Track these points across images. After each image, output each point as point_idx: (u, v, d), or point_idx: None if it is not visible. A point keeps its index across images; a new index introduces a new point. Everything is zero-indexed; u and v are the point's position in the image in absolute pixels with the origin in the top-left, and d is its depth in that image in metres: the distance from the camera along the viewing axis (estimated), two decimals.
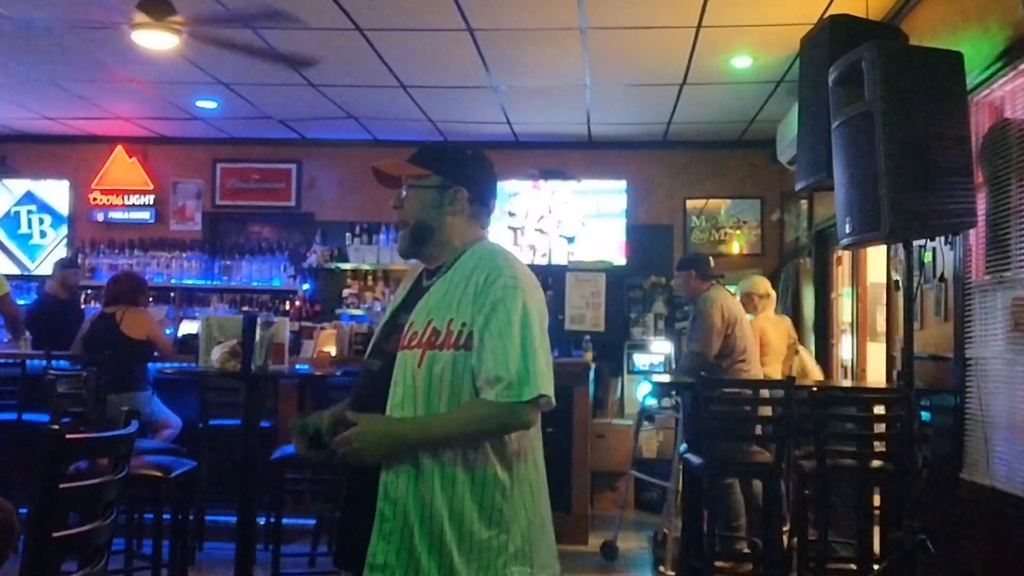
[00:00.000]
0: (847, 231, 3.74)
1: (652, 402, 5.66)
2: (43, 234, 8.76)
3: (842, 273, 6.58)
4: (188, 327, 7.59)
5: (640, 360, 7.65)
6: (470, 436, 1.96)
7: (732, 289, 5.81)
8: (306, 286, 8.29)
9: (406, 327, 2.02)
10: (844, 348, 6.27)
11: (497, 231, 8.18)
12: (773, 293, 5.99)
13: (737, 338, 5.08)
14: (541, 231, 8.18)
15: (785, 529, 4.51)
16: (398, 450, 1.93)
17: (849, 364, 6.19)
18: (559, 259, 8.05)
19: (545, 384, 2.00)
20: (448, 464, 1.94)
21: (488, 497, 1.95)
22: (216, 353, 4.14)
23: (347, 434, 1.93)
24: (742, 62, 5.97)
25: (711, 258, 5.59)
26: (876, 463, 4.11)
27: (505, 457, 1.99)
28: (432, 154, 2.15)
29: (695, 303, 5.25)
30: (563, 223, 8.18)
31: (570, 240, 8.09)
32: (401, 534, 1.92)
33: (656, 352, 7.72)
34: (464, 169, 2.14)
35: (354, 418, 1.96)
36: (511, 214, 8.20)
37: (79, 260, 8.40)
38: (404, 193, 2.11)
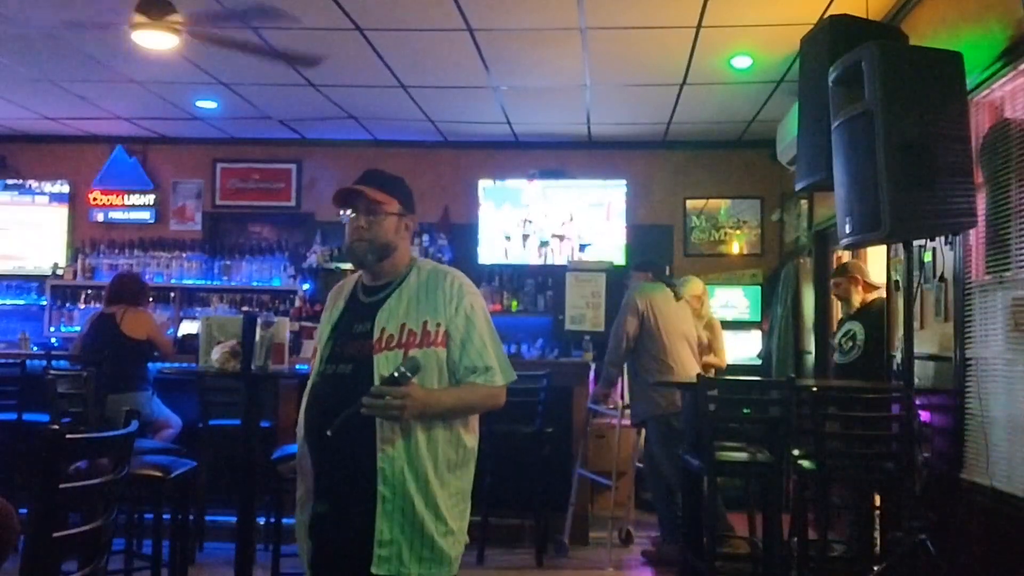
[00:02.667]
0: (847, 231, 3.74)
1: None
2: None
3: None
4: (188, 327, 7.60)
5: None
6: (469, 411, 2.42)
7: (729, 289, 5.87)
8: (306, 286, 8.29)
9: (377, 332, 2.34)
10: None
11: (503, 231, 8.19)
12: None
13: (652, 332, 5.26)
14: (561, 237, 8.19)
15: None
16: (429, 415, 2.29)
17: None
18: (559, 259, 8.06)
19: (513, 371, 2.49)
20: (436, 440, 2.32)
21: (459, 470, 2.38)
22: (216, 353, 4.14)
23: (399, 390, 2.19)
24: (742, 62, 5.97)
25: (668, 268, 5.74)
26: (876, 463, 4.11)
27: (469, 433, 2.43)
28: (392, 184, 2.52)
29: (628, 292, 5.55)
30: (571, 225, 8.19)
31: (583, 248, 8.09)
32: (403, 511, 2.26)
33: None
34: (411, 200, 2.54)
35: (403, 383, 2.21)
36: (528, 221, 8.21)
37: (81, 260, 8.42)
38: (374, 216, 2.42)
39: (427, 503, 2.29)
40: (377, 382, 2.25)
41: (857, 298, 5.23)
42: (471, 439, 2.43)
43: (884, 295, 5.24)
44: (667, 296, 5.44)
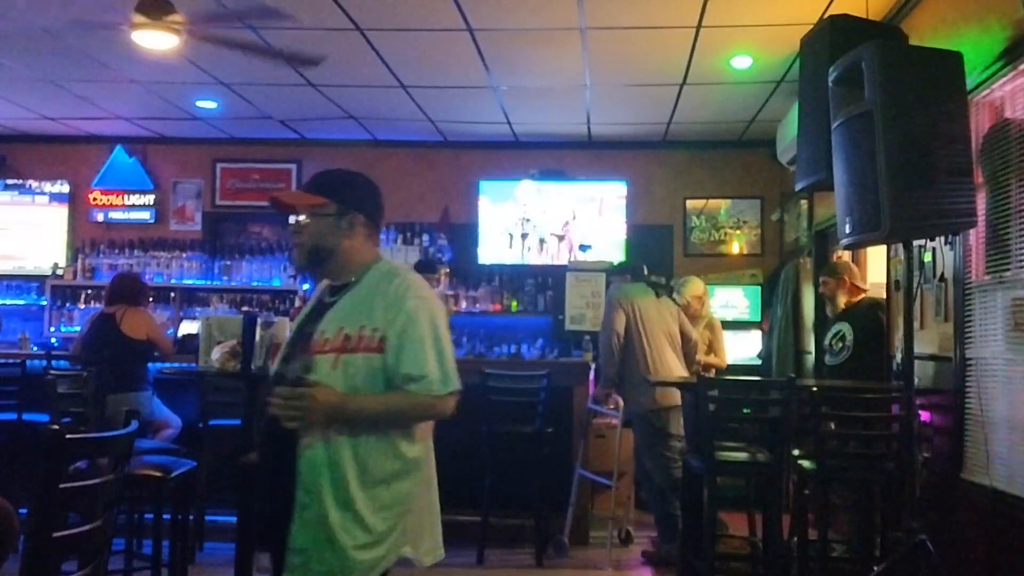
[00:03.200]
0: (847, 231, 3.74)
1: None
2: None
3: None
4: (188, 327, 7.59)
5: None
6: (399, 419, 2.30)
7: (729, 289, 5.87)
8: (306, 286, 8.27)
9: (317, 335, 2.28)
10: None
11: (502, 231, 8.19)
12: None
13: (635, 332, 5.27)
14: (561, 237, 8.19)
15: None
16: (334, 419, 2.20)
17: None
18: (559, 259, 8.06)
19: (457, 380, 2.35)
20: (363, 450, 2.23)
21: (395, 481, 2.26)
22: (216, 353, 4.14)
23: (299, 391, 2.16)
24: (742, 62, 5.97)
25: (645, 267, 5.76)
26: (876, 463, 4.11)
27: (411, 443, 2.31)
28: (329, 183, 2.43)
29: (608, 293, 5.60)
30: (574, 225, 8.19)
31: (584, 248, 8.09)
32: (318, 519, 2.19)
33: None
34: (358, 195, 2.43)
35: (309, 383, 2.19)
36: (528, 221, 8.21)
37: (81, 260, 8.41)
38: (302, 219, 2.35)
39: (345, 513, 2.19)
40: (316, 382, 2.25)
41: (843, 299, 5.24)
42: (414, 449, 2.31)
43: (872, 296, 5.25)
44: (648, 294, 5.44)
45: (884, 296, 5.15)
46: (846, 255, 5.86)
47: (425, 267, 6.75)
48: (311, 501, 2.19)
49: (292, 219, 2.37)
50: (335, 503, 2.19)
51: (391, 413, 2.29)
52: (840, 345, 5.15)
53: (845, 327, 5.13)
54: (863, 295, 5.26)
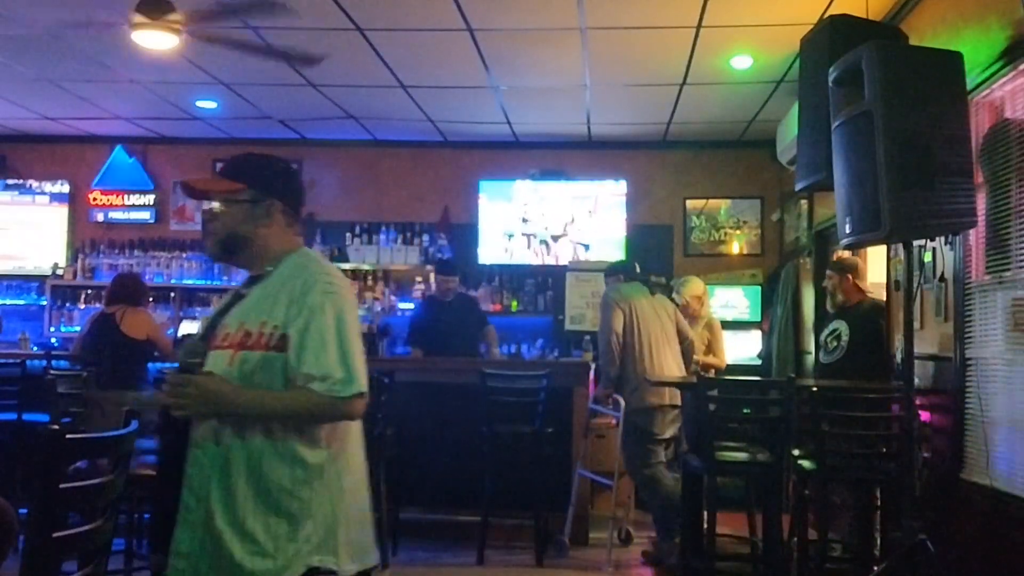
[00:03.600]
0: (847, 231, 3.74)
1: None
2: None
3: None
4: (188, 327, 7.59)
5: None
6: (297, 418, 2.11)
7: (729, 289, 5.87)
8: None
9: (219, 329, 2.18)
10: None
11: (503, 231, 8.18)
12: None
13: (631, 333, 5.26)
14: (561, 237, 8.19)
15: None
16: (222, 411, 2.08)
17: None
18: (559, 259, 8.05)
19: (364, 382, 2.15)
20: (256, 452, 2.08)
21: (294, 486, 2.09)
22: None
23: (182, 378, 2.07)
24: (742, 62, 5.97)
25: (637, 265, 5.78)
26: (876, 463, 4.11)
27: (313, 448, 2.13)
28: (244, 168, 2.30)
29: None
30: (575, 225, 8.19)
31: (583, 248, 8.10)
32: (204, 524, 2.06)
33: None
34: (276, 182, 2.29)
35: (196, 374, 2.10)
36: (528, 221, 8.21)
37: (81, 260, 8.41)
38: (216, 206, 2.23)
39: (233, 520, 2.05)
40: None
41: (841, 296, 5.25)
42: (315, 455, 2.12)
43: (873, 298, 5.25)
44: (643, 293, 5.43)
45: (883, 296, 5.15)
46: (847, 255, 5.86)
47: (443, 268, 6.73)
48: (196, 505, 2.07)
49: (205, 206, 2.26)
50: (222, 508, 2.05)
51: (289, 412, 2.10)
52: (835, 344, 5.15)
53: (843, 326, 5.13)
54: (864, 296, 5.27)
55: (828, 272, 5.44)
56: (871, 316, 5.12)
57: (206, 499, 2.07)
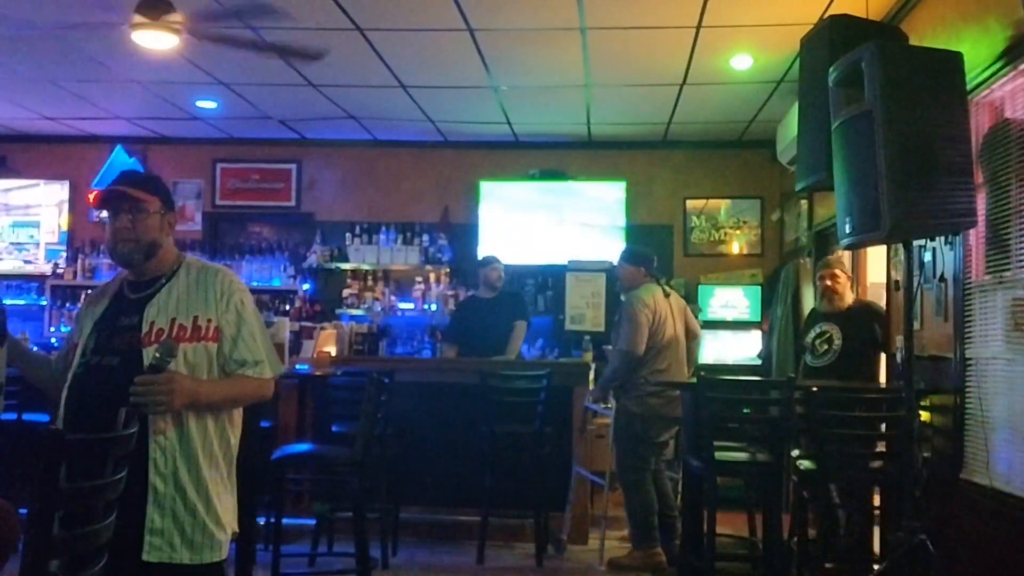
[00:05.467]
0: (847, 231, 3.74)
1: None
2: None
3: None
4: None
5: None
6: (239, 402, 2.52)
7: (729, 289, 5.82)
8: (306, 286, 8.29)
9: (145, 326, 2.40)
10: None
11: (503, 231, 8.18)
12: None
13: (657, 337, 5.13)
14: (561, 237, 8.18)
15: None
16: (199, 405, 2.38)
17: None
18: (559, 259, 8.05)
19: (280, 364, 2.62)
20: (207, 430, 2.41)
21: (228, 459, 2.49)
22: None
23: (164, 377, 2.26)
24: (742, 62, 5.97)
25: (656, 258, 5.56)
26: (876, 463, 4.11)
27: (235, 427, 2.54)
28: (155, 183, 2.57)
29: (625, 300, 5.34)
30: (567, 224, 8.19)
31: (583, 248, 8.07)
32: (175, 500, 2.34)
33: None
34: (171, 197, 2.62)
35: (162, 369, 2.29)
36: (528, 221, 8.19)
37: (81, 260, 8.41)
38: (138, 215, 2.46)
39: (199, 492, 2.36)
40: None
41: (849, 297, 5.20)
42: (235, 435, 2.53)
43: (863, 299, 5.23)
44: (660, 295, 5.31)
45: (877, 296, 5.14)
46: (847, 255, 5.85)
47: (484, 261, 6.73)
48: (165, 485, 2.32)
49: (102, 215, 2.54)
50: (193, 485, 2.35)
51: (233, 396, 2.48)
52: (825, 347, 5.12)
53: (834, 329, 5.10)
54: (853, 298, 5.26)
55: (835, 272, 5.23)
56: (867, 319, 5.09)
57: (176, 479, 2.34)
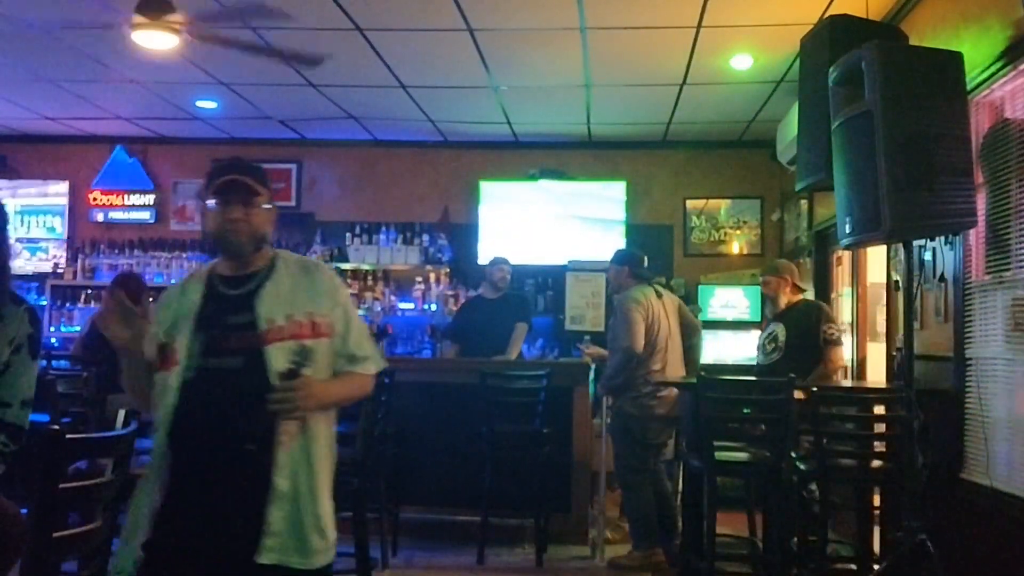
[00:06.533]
0: (847, 231, 3.74)
1: None
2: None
3: (842, 273, 6.57)
4: None
5: None
6: (349, 400, 2.47)
7: (729, 289, 5.81)
8: None
9: (264, 323, 2.26)
10: (844, 348, 6.26)
11: (503, 231, 8.18)
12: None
13: (651, 337, 5.12)
14: (561, 237, 8.17)
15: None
16: (323, 406, 2.31)
17: (849, 364, 6.18)
18: (559, 259, 8.04)
19: (382, 359, 2.49)
20: (321, 431, 2.30)
21: (333, 460, 2.37)
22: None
23: (300, 382, 2.17)
24: (742, 62, 5.97)
25: (645, 258, 5.54)
26: (876, 463, 4.11)
27: (334, 425, 2.41)
28: (264, 175, 2.46)
29: (617, 300, 5.35)
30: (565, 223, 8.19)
31: (583, 248, 8.06)
32: (294, 502, 2.21)
33: None
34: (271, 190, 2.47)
35: (299, 375, 2.19)
36: (528, 221, 8.19)
37: (81, 260, 8.41)
38: (253, 207, 2.34)
39: (314, 495, 2.27)
40: (272, 376, 2.19)
41: (784, 299, 5.24)
42: (334, 432, 2.45)
43: (808, 299, 5.25)
44: (652, 295, 5.27)
45: (885, 296, 5.14)
46: (846, 255, 5.86)
47: (493, 260, 6.70)
48: (288, 487, 2.21)
49: (242, 206, 2.33)
50: (308, 487, 2.25)
51: (345, 396, 2.42)
52: (772, 346, 5.21)
53: (779, 328, 5.18)
54: (801, 297, 5.28)
55: (764, 278, 5.41)
56: (807, 315, 5.13)
57: (295, 481, 2.22)
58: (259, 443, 2.18)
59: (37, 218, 8.72)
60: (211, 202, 2.32)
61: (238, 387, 2.21)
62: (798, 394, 4.17)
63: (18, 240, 8.58)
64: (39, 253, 8.69)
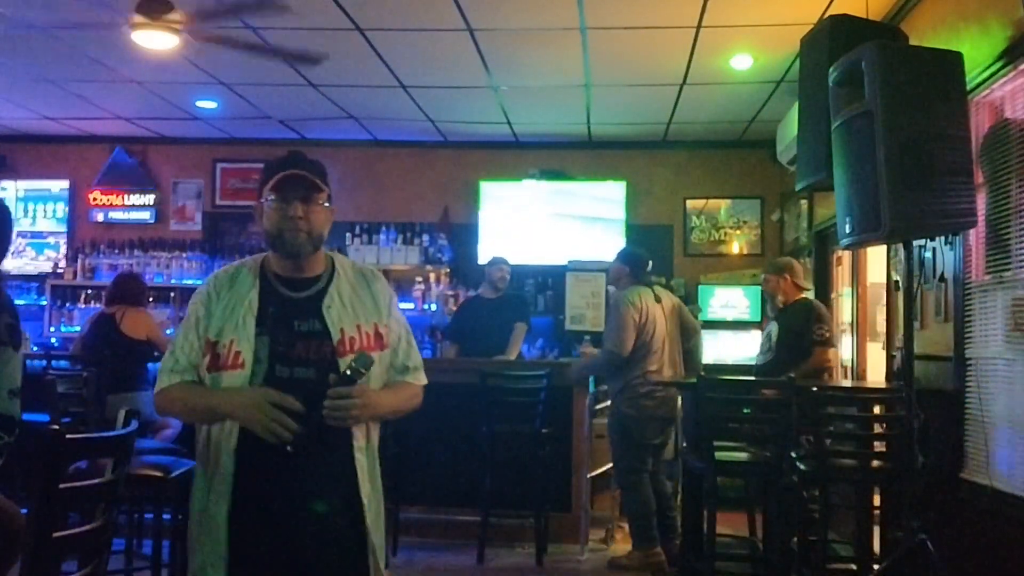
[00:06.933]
0: (847, 231, 3.74)
1: None
2: None
3: (842, 273, 6.57)
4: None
5: None
6: (401, 412, 2.37)
7: (729, 289, 5.80)
8: None
9: (336, 333, 2.18)
10: (844, 348, 6.27)
11: (503, 231, 8.18)
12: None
13: (640, 338, 5.11)
14: (561, 237, 8.17)
15: None
16: (378, 417, 2.26)
17: (849, 364, 6.19)
18: (559, 259, 8.04)
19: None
20: (376, 442, 2.28)
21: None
22: None
23: (357, 389, 2.09)
24: (742, 62, 5.97)
25: (651, 263, 5.54)
26: (876, 463, 4.11)
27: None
28: (325, 173, 2.31)
29: (613, 298, 5.38)
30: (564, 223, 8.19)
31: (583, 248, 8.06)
32: (377, 515, 2.22)
33: None
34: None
35: (353, 387, 2.11)
36: (528, 221, 8.18)
37: (81, 260, 8.41)
38: (312, 204, 2.23)
39: (379, 506, 2.25)
40: (331, 379, 2.12)
41: (782, 297, 5.23)
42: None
43: (806, 298, 5.24)
44: (650, 296, 5.27)
45: (885, 296, 5.14)
46: (846, 255, 5.86)
47: (492, 260, 6.75)
48: (371, 498, 2.19)
49: (302, 203, 2.20)
50: (376, 498, 2.22)
51: (398, 407, 2.33)
52: (767, 346, 5.23)
53: (774, 328, 5.18)
54: (801, 295, 5.26)
55: (764, 276, 5.42)
56: (799, 315, 5.12)
57: (374, 491, 2.22)
58: (303, 446, 2.07)
59: (44, 206, 8.71)
60: (270, 198, 2.20)
61: (315, 399, 2.08)
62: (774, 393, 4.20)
63: (20, 235, 8.58)
64: (46, 251, 8.67)
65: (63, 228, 8.70)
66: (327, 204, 2.27)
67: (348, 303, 2.24)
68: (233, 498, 2.11)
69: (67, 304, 8.33)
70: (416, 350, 2.37)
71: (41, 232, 8.73)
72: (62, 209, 8.71)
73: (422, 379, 2.36)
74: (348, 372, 2.08)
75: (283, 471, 2.11)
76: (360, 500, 2.17)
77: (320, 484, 2.15)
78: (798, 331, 5.08)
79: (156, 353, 5.68)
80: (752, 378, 5.06)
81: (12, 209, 8.61)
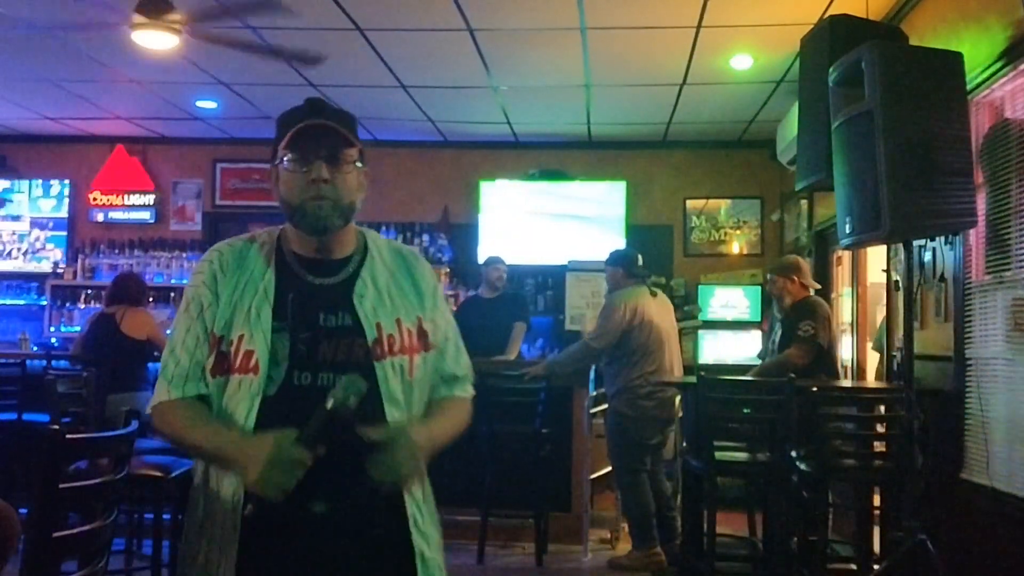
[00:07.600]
0: (847, 231, 3.74)
1: None
2: None
3: (842, 273, 6.57)
4: None
5: None
6: (454, 440, 1.80)
7: (729, 289, 5.80)
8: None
9: (372, 330, 1.70)
10: (844, 348, 6.27)
11: (503, 231, 8.18)
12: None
13: (636, 339, 5.10)
14: (561, 236, 8.17)
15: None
16: (430, 458, 1.72)
17: (849, 364, 6.19)
18: (559, 259, 8.05)
19: None
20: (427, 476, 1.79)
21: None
22: None
23: (408, 444, 1.63)
24: (742, 62, 5.97)
25: (640, 257, 5.50)
26: (876, 463, 4.11)
27: None
28: (356, 124, 1.79)
29: (607, 298, 5.40)
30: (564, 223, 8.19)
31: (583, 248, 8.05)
32: (433, 562, 1.74)
33: None
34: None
35: (385, 433, 1.63)
36: (528, 221, 8.19)
37: (81, 260, 8.41)
38: (339, 164, 1.74)
39: (439, 545, 1.80)
40: (386, 403, 1.67)
41: (789, 299, 5.12)
42: None
43: (811, 296, 5.18)
44: (646, 296, 5.26)
45: (885, 296, 5.14)
46: (846, 255, 5.85)
47: (489, 260, 6.72)
48: (426, 546, 1.72)
49: (326, 163, 1.71)
50: (437, 537, 1.77)
51: (451, 435, 1.79)
52: (772, 348, 5.20)
53: (778, 330, 5.16)
54: (807, 293, 5.18)
55: (769, 277, 5.32)
56: (797, 314, 5.04)
57: (429, 542, 1.74)
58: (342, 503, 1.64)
59: (44, 205, 8.70)
60: (286, 158, 1.72)
61: (343, 439, 1.59)
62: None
63: (20, 235, 8.58)
64: (47, 248, 8.66)
65: (63, 228, 8.69)
66: (359, 164, 1.76)
67: (385, 292, 1.75)
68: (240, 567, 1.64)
69: (67, 304, 8.33)
70: (465, 353, 1.86)
71: (43, 223, 8.71)
72: (62, 209, 8.71)
73: (471, 390, 1.86)
74: (337, 407, 1.55)
75: (308, 540, 1.68)
76: (411, 549, 1.69)
77: (366, 559, 1.69)
78: (794, 329, 5.05)
79: (156, 353, 5.68)
80: (752, 378, 5.05)
81: (11, 209, 8.65)
